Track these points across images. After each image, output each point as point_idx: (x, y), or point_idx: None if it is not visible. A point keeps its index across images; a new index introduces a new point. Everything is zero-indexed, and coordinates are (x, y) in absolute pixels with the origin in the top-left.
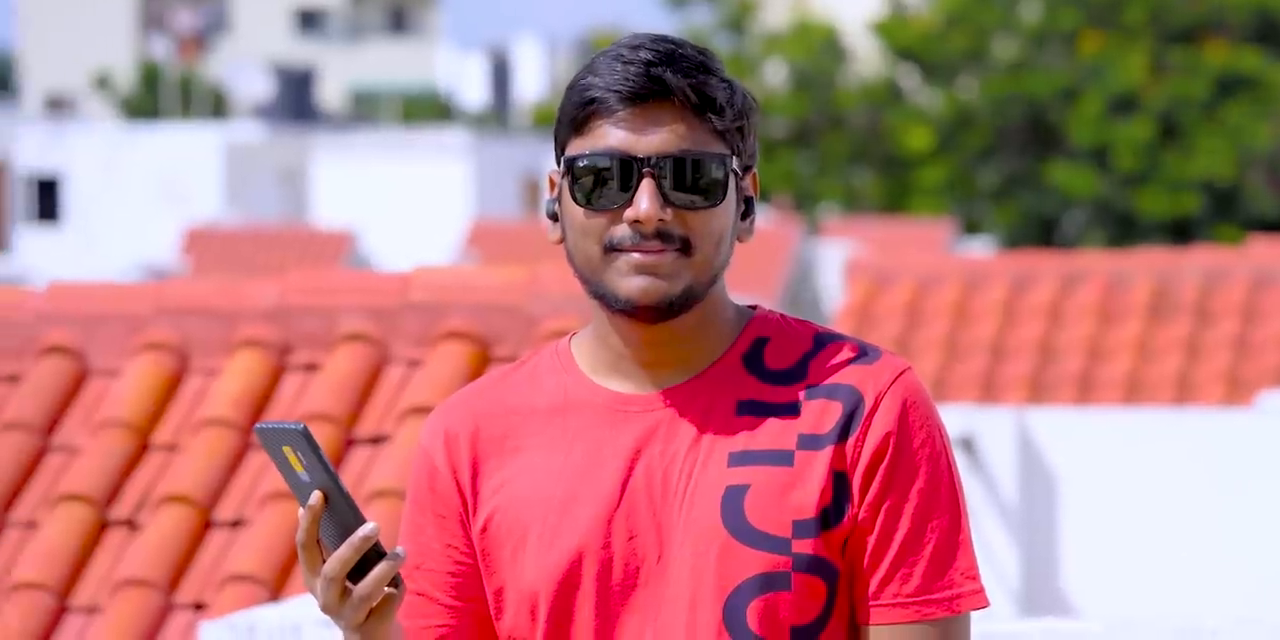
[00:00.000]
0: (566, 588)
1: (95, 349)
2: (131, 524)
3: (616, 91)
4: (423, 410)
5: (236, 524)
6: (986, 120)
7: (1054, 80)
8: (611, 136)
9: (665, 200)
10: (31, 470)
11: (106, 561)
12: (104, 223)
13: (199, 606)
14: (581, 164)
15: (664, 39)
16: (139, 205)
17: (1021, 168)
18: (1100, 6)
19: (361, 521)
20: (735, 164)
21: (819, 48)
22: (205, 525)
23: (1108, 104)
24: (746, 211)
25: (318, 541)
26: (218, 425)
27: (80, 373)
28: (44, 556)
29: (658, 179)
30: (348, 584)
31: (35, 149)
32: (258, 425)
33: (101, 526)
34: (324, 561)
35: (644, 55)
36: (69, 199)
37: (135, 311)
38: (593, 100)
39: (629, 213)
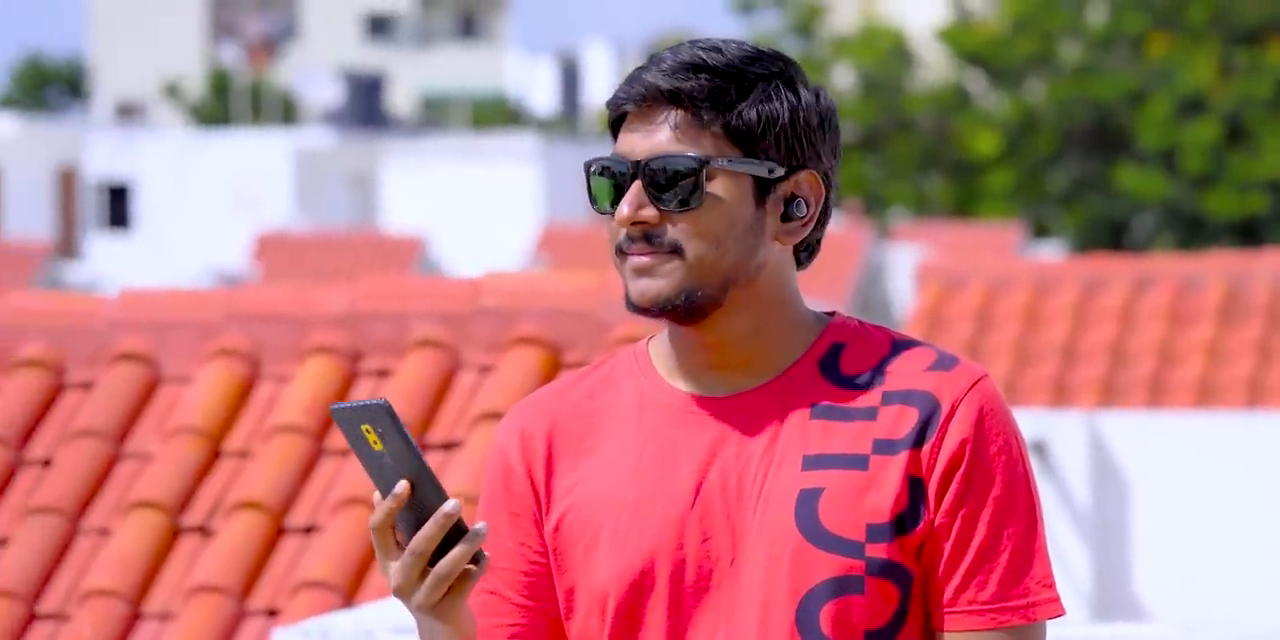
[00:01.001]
0: (638, 589)
1: (167, 356)
2: (204, 531)
3: (624, 98)
4: (494, 416)
5: (309, 530)
6: (1054, 124)
7: (1121, 83)
8: (623, 142)
9: (656, 203)
10: (104, 477)
11: (179, 568)
12: (174, 229)
13: (272, 613)
14: (592, 169)
15: (705, 45)
16: (209, 212)
17: (1090, 171)
18: (1166, 9)
19: (444, 498)
20: (755, 168)
21: (886, 52)
22: (278, 531)
23: (1175, 106)
24: (787, 213)
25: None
26: (289, 431)
27: (152, 380)
28: (117, 563)
29: (645, 183)
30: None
31: (106, 156)
32: (333, 405)
33: (174, 533)
34: (398, 543)
35: (662, 62)
36: (140, 206)
37: (206, 318)
38: (613, 107)
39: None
